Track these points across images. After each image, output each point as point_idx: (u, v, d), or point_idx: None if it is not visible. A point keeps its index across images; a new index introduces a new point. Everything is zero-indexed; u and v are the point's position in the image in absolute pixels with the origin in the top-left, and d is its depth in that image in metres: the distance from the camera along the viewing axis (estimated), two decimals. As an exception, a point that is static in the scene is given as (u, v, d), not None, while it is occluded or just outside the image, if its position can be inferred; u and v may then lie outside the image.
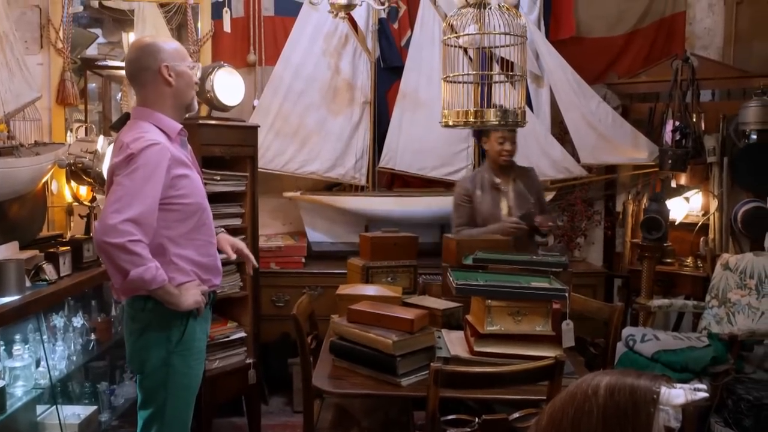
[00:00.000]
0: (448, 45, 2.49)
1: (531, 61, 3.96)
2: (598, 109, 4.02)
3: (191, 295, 2.03)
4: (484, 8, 2.36)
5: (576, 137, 4.02)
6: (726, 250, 3.87)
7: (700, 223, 4.01)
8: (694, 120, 3.90)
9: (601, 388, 1.35)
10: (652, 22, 4.35)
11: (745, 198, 3.85)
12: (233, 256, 2.33)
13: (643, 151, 4.02)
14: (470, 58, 3.87)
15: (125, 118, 2.73)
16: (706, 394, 1.37)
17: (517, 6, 2.47)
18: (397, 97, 4.05)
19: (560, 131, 4.17)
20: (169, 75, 2.07)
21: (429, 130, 3.96)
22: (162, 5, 4.03)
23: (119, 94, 4.29)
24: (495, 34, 2.36)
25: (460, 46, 2.46)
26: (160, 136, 2.02)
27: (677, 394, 1.32)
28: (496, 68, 3.42)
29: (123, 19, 4.11)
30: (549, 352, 2.13)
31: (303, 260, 3.93)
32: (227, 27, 4.00)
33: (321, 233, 4.16)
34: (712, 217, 4.01)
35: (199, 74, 2.20)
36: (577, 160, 4.07)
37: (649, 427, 1.31)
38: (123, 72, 3.85)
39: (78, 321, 2.59)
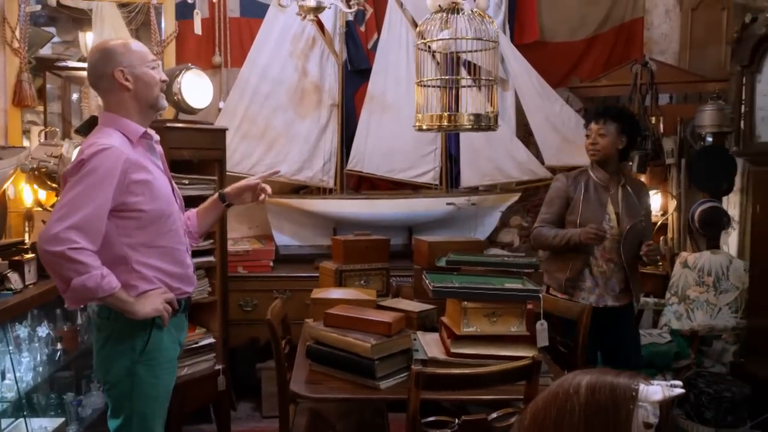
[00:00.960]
0: (420, 49, 2.50)
1: (497, 65, 4.02)
2: (562, 112, 4.10)
3: (149, 303, 1.97)
4: (457, 13, 2.39)
5: (540, 139, 4.10)
6: (684, 249, 3.99)
7: (659, 223, 4.13)
8: (654, 123, 4.02)
9: (582, 387, 1.39)
10: (612, 27, 4.47)
11: (702, 198, 3.98)
12: (256, 192, 2.30)
13: (605, 153, 4.11)
14: (438, 62, 3.90)
15: (91, 121, 2.68)
16: (682, 390, 1.43)
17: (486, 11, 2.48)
18: (364, 99, 4.05)
19: (524, 133, 4.24)
20: (126, 79, 2.00)
21: (397, 132, 3.99)
22: (123, 5, 3.95)
23: (75, 95, 4.18)
24: (468, 39, 2.38)
25: (434, 51, 2.48)
26: (117, 141, 1.96)
27: (655, 391, 1.37)
28: (463, 72, 3.46)
29: (81, 18, 4.01)
30: (524, 352, 2.17)
31: (271, 264, 3.90)
32: (198, 29, 3.95)
33: (288, 236, 4.13)
34: (670, 217, 4.13)
35: (160, 71, 2.10)
36: (542, 162, 4.15)
37: (628, 424, 1.36)
38: (82, 73, 3.82)
39: (43, 330, 2.51)
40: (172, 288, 2.06)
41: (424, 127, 2.48)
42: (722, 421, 2.94)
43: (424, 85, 2.48)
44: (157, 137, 2.15)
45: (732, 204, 4.10)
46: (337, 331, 2.21)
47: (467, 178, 4.13)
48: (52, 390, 2.56)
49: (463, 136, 4.08)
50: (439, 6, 2.41)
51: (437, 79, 2.50)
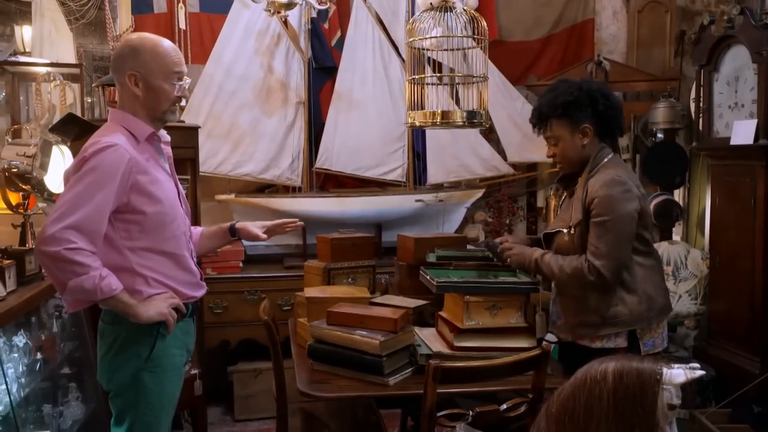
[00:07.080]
0: (411, 47, 2.52)
1: (461, 63, 4.08)
2: (523, 109, 4.20)
3: (154, 307, 1.91)
4: (449, 11, 2.42)
5: (503, 136, 4.20)
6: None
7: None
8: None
9: (608, 373, 1.44)
10: (565, 27, 4.62)
11: (654, 191, 4.17)
12: (264, 237, 2.39)
13: (564, 149, 4.25)
14: (403, 59, 3.93)
15: (67, 119, 2.56)
16: (703, 372, 1.50)
17: (477, 9, 2.53)
18: (331, 97, 4.03)
19: (486, 130, 4.32)
20: (135, 85, 1.92)
21: (364, 130, 4.00)
22: (73, -2, 3.78)
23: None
24: (460, 36, 2.42)
25: (425, 49, 2.50)
26: (122, 139, 1.89)
27: (678, 374, 1.44)
28: (429, 71, 3.51)
29: (24, 11, 3.82)
30: (524, 343, 2.23)
31: (240, 265, 3.82)
32: (182, 23, 3.83)
33: (255, 236, 4.05)
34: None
35: (185, 85, 1.99)
36: (504, 159, 4.24)
37: (654, 406, 1.42)
38: (33, 69, 3.62)
39: (20, 340, 2.37)
40: (179, 293, 2.01)
41: (417, 123, 2.50)
42: (692, 402, 3.10)
43: (417, 83, 2.50)
44: (167, 138, 2.08)
45: (676, 196, 4.31)
46: (342, 329, 2.19)
47: (433, 175, 4.17)
48: (32, 402, 2.41)
49: (429, 133, 4.12)
50: (431, 4, 2.44)
51: (430, 76, 2.52)
